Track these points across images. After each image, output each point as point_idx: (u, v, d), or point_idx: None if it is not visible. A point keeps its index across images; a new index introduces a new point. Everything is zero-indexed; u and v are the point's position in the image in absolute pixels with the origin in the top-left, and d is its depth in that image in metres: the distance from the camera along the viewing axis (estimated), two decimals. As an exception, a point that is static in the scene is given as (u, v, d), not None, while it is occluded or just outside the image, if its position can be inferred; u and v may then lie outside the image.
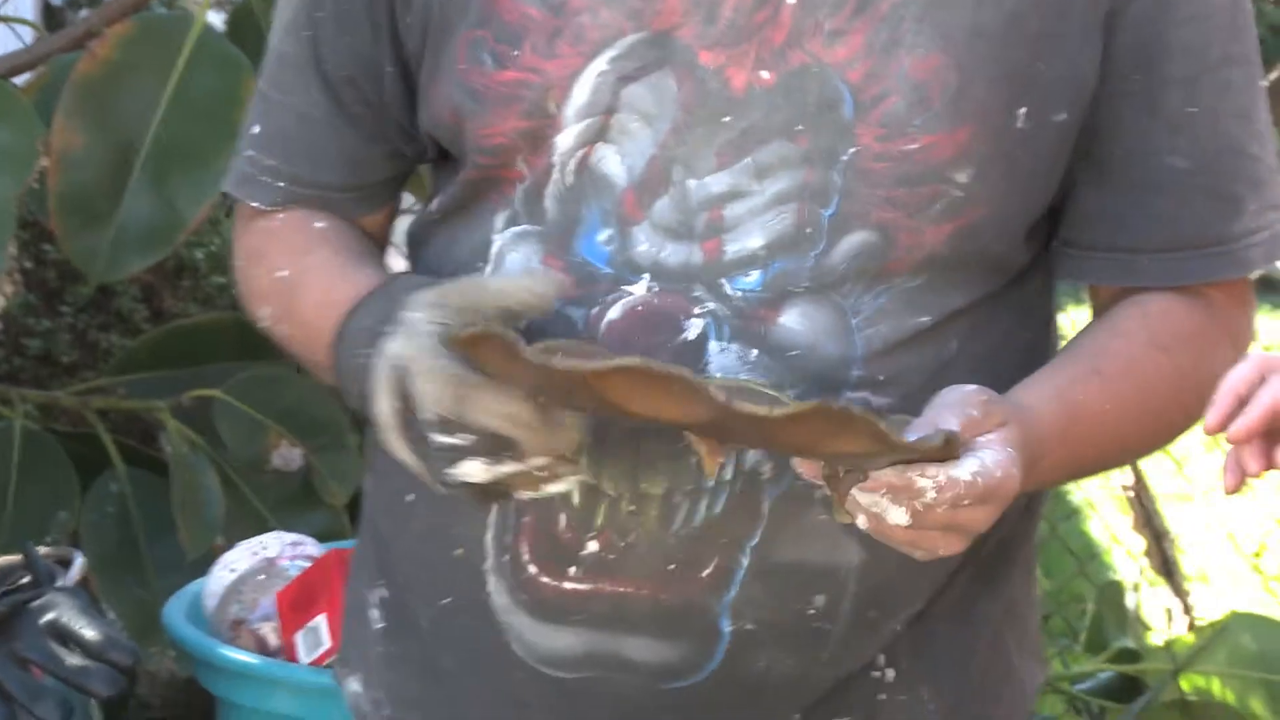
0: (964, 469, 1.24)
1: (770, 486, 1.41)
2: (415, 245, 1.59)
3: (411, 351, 1.28)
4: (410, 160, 1.59)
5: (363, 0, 1.50)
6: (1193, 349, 1.48)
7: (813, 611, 1.45)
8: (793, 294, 1.42)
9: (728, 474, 1.40)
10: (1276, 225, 1.48)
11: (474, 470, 1.28)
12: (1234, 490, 1.33)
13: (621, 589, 1.43)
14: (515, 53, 1.42)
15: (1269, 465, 1.29)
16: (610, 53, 1.41)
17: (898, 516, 1.25)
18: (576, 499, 1.42)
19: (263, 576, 2.50)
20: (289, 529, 2.75)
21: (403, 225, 1.67)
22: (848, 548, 1.44)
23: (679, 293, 1.42)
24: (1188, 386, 1.47)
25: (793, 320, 1.42)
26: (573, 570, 1.43)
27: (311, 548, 2.47)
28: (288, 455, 2.97)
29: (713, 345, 1.42)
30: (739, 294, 1.42)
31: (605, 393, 1.22)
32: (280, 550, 2.52)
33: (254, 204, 1.56)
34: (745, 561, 1.42)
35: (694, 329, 1.41)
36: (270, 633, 2.36)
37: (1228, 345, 1.51)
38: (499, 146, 1.43)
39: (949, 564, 1.48)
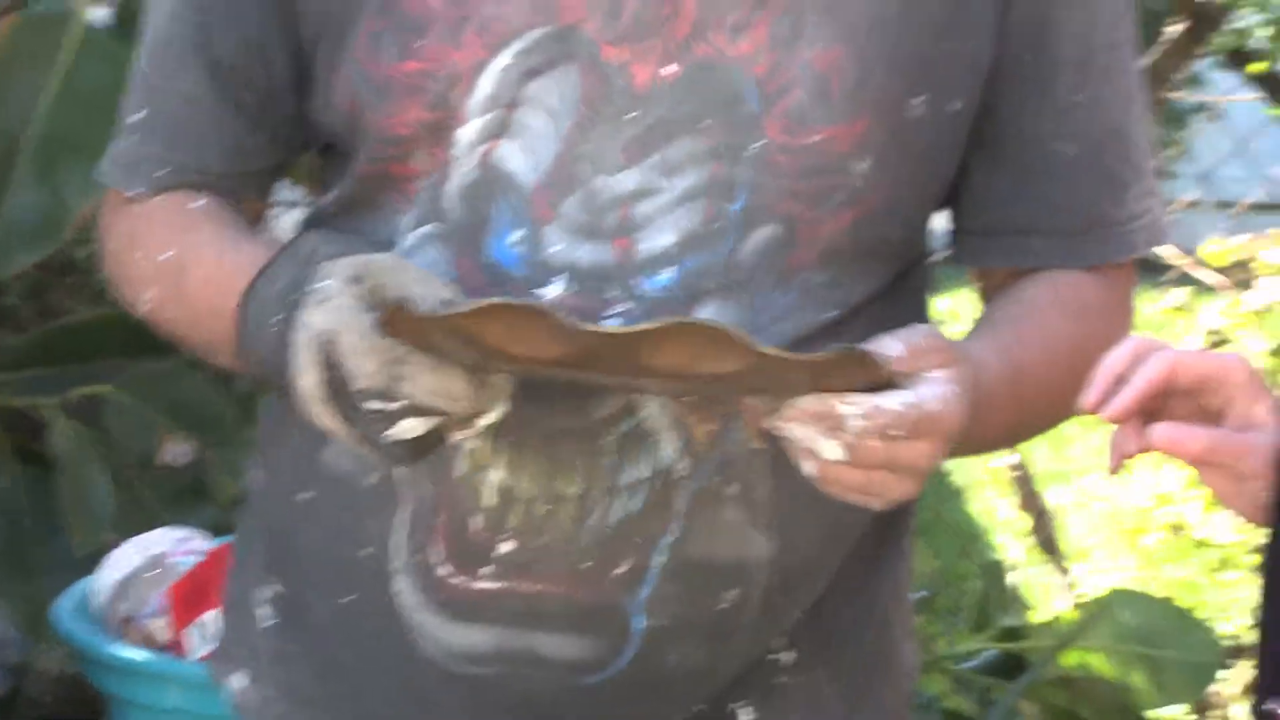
0: (893, 399, 1.25)
1: (685, 484, 1.41)
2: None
3: (337, 325, 1.27)
4: (296, 149, 1.57)
5: None
6: (1101, 321, 1.50)
7: (725, 605, 1.45)
8: (706, 292, 1.42)
9: (645, 472, 1.40)
10: (1155, 210, 1.51)
11: (411, 426, 1.28)
12: (1116, 470, 1.34)
13: (535, 588, 1.43)
14: (419, 43, 1.40)
15: (1146, 446, 1.30)
16: (516, 46, 1.39)
17: (831, 450, 1.24)
18: (492, 500, 1.42)
19: (152, 573, 2.49)
20: (180, 524, 2.73)
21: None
22: (759, 542, 1.44)
23: (594, 294, 1.41)
24: (1097, 358, 1.47)
25: (706, 318, 1.42)
26: (486, 570, 1.43)
27: (202, 542, 2.45)
28: (177, 451, 2.95)
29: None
30: (653, 293, 1.41)
31: (485, 338, 1.23)
32: (170, 546, 2.51)
33: (136, 190, 1.53)
34: (660, 559, 1.42)
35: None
36: (160, 629, 2.36)
37: (1126, 320, 1.55)
38: (399, 138, 1.42)
39: (849, 548, 1.51)
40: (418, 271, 1.35)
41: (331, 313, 1.26)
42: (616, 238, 1.40)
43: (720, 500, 1.42)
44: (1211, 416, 1.29)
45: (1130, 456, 1.30)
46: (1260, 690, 1.29)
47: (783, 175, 1.39)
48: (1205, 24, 4.34)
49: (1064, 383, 1.43)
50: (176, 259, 1.49)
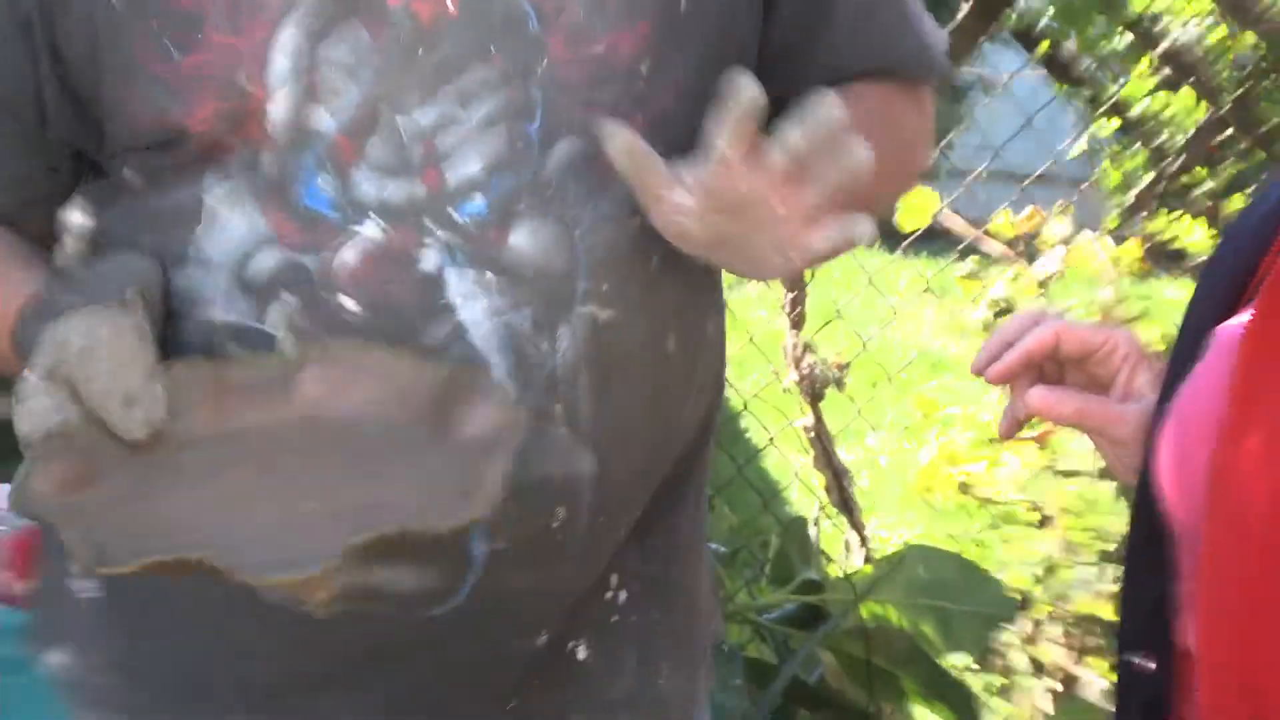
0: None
1: (515, 405, 1.44)
2: (100, 204, 1.54)
3: (28, 434, 1.28)
4: (79, 168, 1.57)
5: (7, 14, 1.46)
6: (908, 130, 1.65)
7: (555, 525, 1.48)
8: (518, 213, 1.44)
9: None
10: (942, 41, 1.67)
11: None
12: (1008, 436, 1.43)
13: None
14: (198, 36, 1.40)
15: (1030, 412, 1.39)
16: (295, 15, 1.41)
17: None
18: None
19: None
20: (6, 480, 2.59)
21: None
22: (584, 459, 1.49)
23: (409, 228, 1.42)
24: (906, 156, 1.67)
25: (521, 240, 1.44)
26: None
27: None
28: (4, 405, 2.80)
29: (450, 273, 1.43)
30: (467, 220, 1.43)
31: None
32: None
33: None
34: None
35: (429, 261, 1.42)
36: (5, 582, 2.25)
37: (928, 136, 1.72)
38: (207, 131, 1.42)
39: (660, 475, 1.60)
40: (114, 356, 1.34)
41: (24, 419, 1.28)
42: (424, 171, 1.42)
43: (548, 419, 1.46)
44: (1102, 387, 1.36)
45: (1021, 421, 1.40)
46: (1122, 642, 1.34)
47: (574, 89, 1.43)
48: (994, 5, 4.43)
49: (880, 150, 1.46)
50: None
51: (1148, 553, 1.29)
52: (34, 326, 1.35)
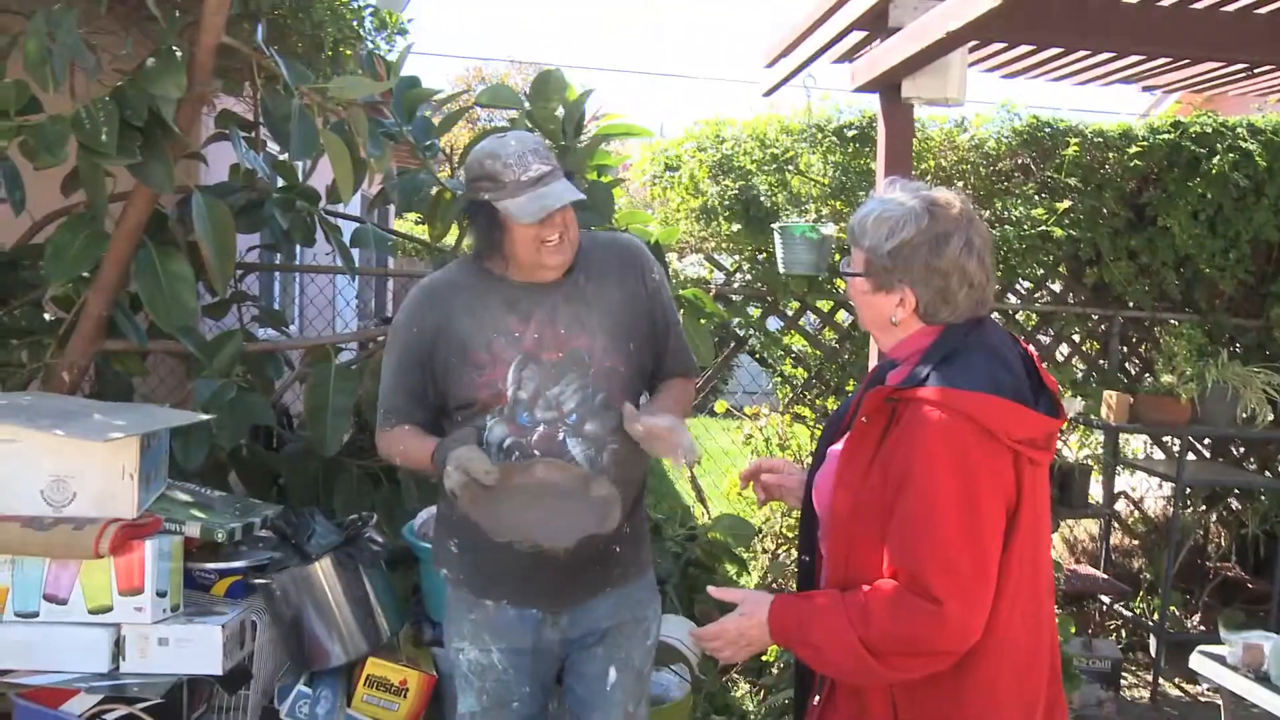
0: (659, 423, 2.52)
1: (613, 480, 2.76)
2: (450, 423, 2.84)
3: (452, 485, 2.51)
4: (443, 409, 2.82)
5: (414, 358, 2.77)
6: (689, 390, 3.01)
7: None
8: (586, 419, 2.72)
9: (588, 467, 2.71)
10: (695, 364, 3.02)
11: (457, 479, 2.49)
12: (762, 505, 2.69)
13: None
14: (482, 368, 2.70)
15: (762, 488, 2.56)
16: (515, 362, 2.72)
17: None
18: None
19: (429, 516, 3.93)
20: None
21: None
22: (609, 485, 2.75)
23: (554, 428, 2.73)
24: (690, 397, 3.00)
25: (589, 428, 2.77)
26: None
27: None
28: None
29: (569, 442, 2.74)
30: (571, 422, 2.72)
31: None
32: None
33: (387, 426, 2.84)
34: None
35: (561, 437, 2.73)
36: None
37: (692, 391, 2.98)
38: (485, 400, 2.71)
39: (636, 493, 2.92)
40: (475, 458, 2.56)
41: (450, 481, 2.55)
42: (557, 408, 2.73)
43: (600, 474, 2.78)
44: (782, 475, 2.56)
45: (763, 497, 2.66)
46: (799, 550, 2.28)
47: (601, 377, 2.73)
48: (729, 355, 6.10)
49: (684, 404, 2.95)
50: (403, 447, 2.83)
51: (806, 518, 2.25)
52: (444, 451, 2.62)
